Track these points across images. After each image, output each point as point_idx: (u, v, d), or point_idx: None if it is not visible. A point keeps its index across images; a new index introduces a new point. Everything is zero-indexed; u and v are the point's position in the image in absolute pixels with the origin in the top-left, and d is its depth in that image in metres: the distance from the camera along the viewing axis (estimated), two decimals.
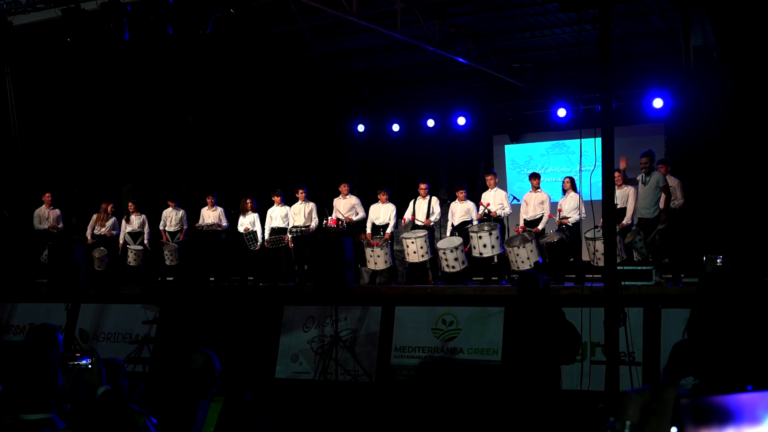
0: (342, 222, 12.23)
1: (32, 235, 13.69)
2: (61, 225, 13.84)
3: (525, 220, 11.70)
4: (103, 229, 13.64)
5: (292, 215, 12.57)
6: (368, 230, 12.27)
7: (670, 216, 10.53)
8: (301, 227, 12.40)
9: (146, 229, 13.65)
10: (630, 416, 1.02)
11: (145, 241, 13.57)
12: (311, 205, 12.62)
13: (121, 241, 13.64)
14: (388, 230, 12.16)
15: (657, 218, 10.35)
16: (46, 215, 13.69)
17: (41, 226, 13.65)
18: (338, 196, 12.69)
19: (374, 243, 11.95)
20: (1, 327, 12.82)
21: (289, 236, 12.46)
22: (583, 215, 11.33)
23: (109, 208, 13.69)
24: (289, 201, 12.91)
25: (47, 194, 13.70)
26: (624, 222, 10.70)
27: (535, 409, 6.57)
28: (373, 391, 10.14)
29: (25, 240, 13.81)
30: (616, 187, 10.89)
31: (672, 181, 10.88)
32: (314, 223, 12.53)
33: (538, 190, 11.83)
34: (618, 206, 10.81)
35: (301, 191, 12.58)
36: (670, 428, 0.99)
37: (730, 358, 1.26)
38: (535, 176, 11.99)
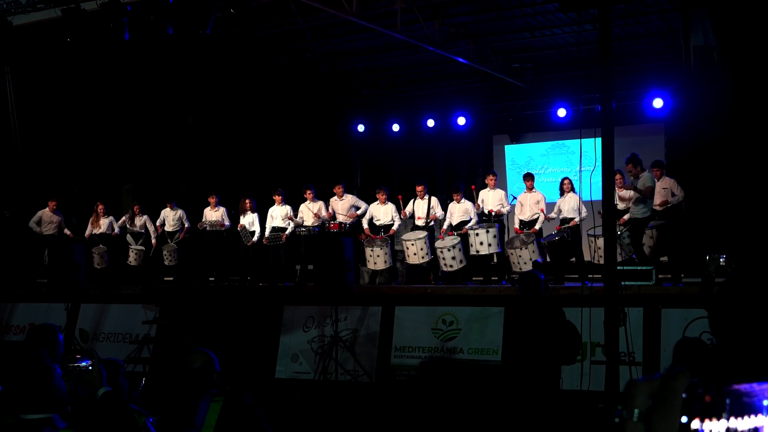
0: (345, 225, 12.30)
1: (31, 236, 13.70)
2: (66, 230, 13.86)
3: (521, 221, 11.71)
4: (100, 230, 13.68)
5: (301, 215, 12.59)
6: (365, 225, 12.33)
7: (662, 215, 10.54)
8: (309, 227, 12.41)
9: (151, 229, 13.70)
10: (638, 405, 1.01)
11: (153, 241, 13.64)
12: (319, 203, 12.63)
13: (120, 226, 13.70)
14: (394, 227, 12.21)
15: (647, 219, 10.38)
16: (49, 219, 13.71)
17: (45, 230, 13.64)
18: (334, 196, 12.74)
19: (375, 236, 12.00)
20: (1, 327, 12.82)
21: (301, 232, 12.44)
22: (585, 214, 11.35)
23: (99, 209, 13.71)
24: (290, 201, 12.92)
25: (53, 202, 13.74)
26: (626, 217, 10.74)
27: (535, 409, 6.57)
28: (373, 391, 10.14)
29: (25, 240, 13.82)
30: (617, 188, 10.94)
31: (668, 182, 10.87)
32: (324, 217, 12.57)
33: (533, 190, 11.85)
34: (620, 208, 10.84)
35: (309, 191, 12.60)
36: (680, 418, 0.97)
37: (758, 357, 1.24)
38: (528, 177, 12.01)
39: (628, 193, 11.04)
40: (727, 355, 1.36)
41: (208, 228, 13.20)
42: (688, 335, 8.37)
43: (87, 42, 10.83)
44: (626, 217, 10.74)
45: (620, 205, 10.86)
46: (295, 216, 12.67)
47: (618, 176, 10.94)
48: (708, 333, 7.49)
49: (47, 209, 13.73)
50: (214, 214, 13.29)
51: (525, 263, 10.91)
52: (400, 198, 12.43)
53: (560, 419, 6.86)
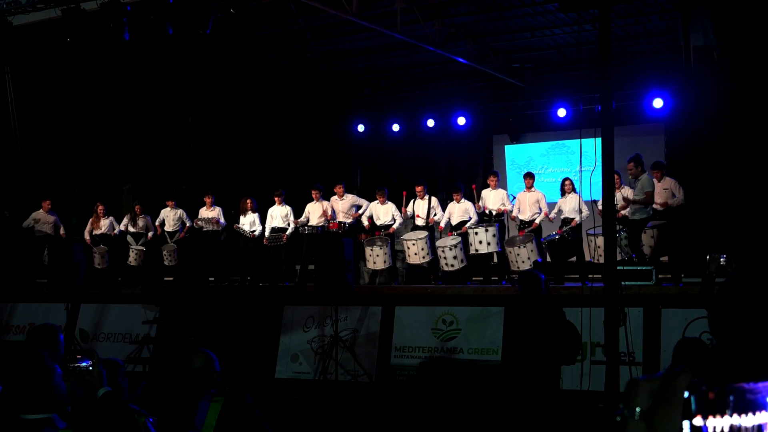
0: (344, 225, 12.30)
1: (30, 236, 13.70)
2: (62, 230, 13.86)
3: (521, 221, 11.71)
4: (100, 231, 13.68)
5: (307, 214, 12.62)
6: (365, 222, 12.37)
7: (663, 215, 10.54)
8: (314, 227, 12.43)
9: (150, 234, 13.72)
10: (640, 403, 1.00)
11: (149, 235, 13.64)
12: (325, 204, 12.64)
13: (121, 229, 13.68)
14: (395, 225, 12.25)
15: (645, 219, 10.37)
16: (44, 220, 13.71)
17: (41, 229, 13.65)
18: (334, 196, 12.75)
19: (375, 234, 12.04)
20: (1, 327, 12.81)
21: (304, 230, 12.46)
22: (586, 212, 11.33)
23: (99, 210, 13.71)
24: (291, 201, 12.92)
25: (47, 201, 13.73)
26: (621, 213, 10.71)
27: (535, 409, 6.57)
28: (373, 391, 10.14)
29: (25, 240, 13.82)
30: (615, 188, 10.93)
31: (668, 183, 10.87)
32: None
33: (533, 189, 11.85)
34: (617, 208, 10.83)
35: (315, 191, 12.62)
36: (681, 420, 0.96)
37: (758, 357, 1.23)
38: (529, 176, 12.01)
39: (624, 195, 11.03)
40: (726, 355, 1.36)
41: (204, 227, 13.20)
42: (688, 335, 8.36)
43: (87, 42, 10.83)
44: (623, 212, 10.72)
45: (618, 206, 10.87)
46: (300, 215, 12.68)
47: (615, 176, 10.95)
48: (708, 333, 7.48)
49: (42, 210, 13.74)
50: (209, 213, 13.31)
51: (523, 262, 10.91)
52: (404, 194, 12.42)
53: (560, 419, 6.86)
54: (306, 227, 12.47)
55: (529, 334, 6.62)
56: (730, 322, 1.35)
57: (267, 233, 12.68)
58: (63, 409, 3.24)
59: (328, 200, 12.80)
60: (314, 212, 12.59)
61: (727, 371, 1.28)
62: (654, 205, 10.57)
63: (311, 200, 12.71)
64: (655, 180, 10.66)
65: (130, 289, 12.75)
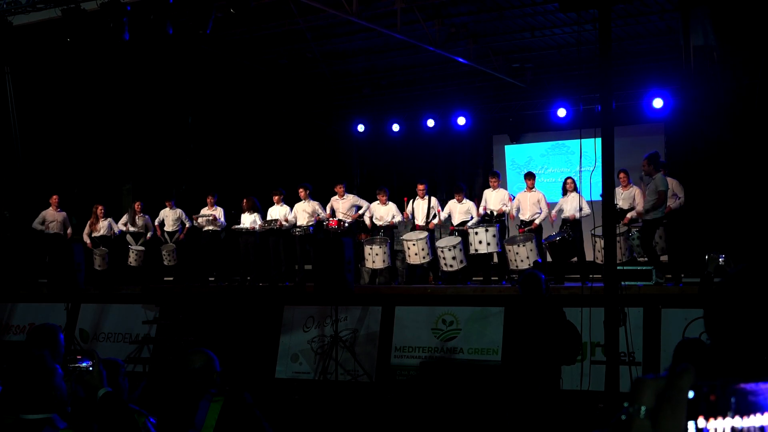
0: (343, 223, 12.28)
1: (33, 236, 13.67)
2: (69, 229, 13.82)
3: (522, 221, 11.70)
4: (99, 233, 13.65)
5: (295, 214, 12.61)
6: (367, 221, 12.38)
7: (669, 215, 10.55)
8: (304, 227, 12.43)
9: (149, 234, 13.71)
10: (645, 402, 1.00)
11: (147, 236, 13.63)
12: (313, 203, 12.62)
13: (120, 227, 13.66)
14: (395, 220, 12.24)
15: (659, 220, 10.33)
16: (52, 218, 13.68)
17: (49, 230, 13.61)
18: (335, 195, 12.75)
19: (373, 235, 12.04)
20: (1, 327, 12.82)
21: (295, 231, 12.45)
22: (587, 210, 11.31)
23: (98, 211, 13.69)
24: (291, 201, 12.91)
25: (54, 197, 13.70)
26: (629, 216, 10.68)
27: (535, 409, 6.56)
28: (373, 391, 10.14)
29: (26, 240, 13.81)
30: (621, 187, 10.92)
31: (670, 182, 10.86)
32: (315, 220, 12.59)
33: (533, 189, 11.84)
34: (624, 207, 10.83)
35: (301, 190, 12.59)
36: (686, 420, 0.96)
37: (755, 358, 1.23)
38: (530, 176, 12.00)
39: (630, 194, 11.04)
40: (721, 354, 1.35)
41: (203, 226, 13.19)
42: (688, 335, 8.36)
43: (87, 42, 10.84)
44: (630, 215, 10.71)
45: (623, 205, 10.86)
46: (287, 216, 12.66)
47: (622, 174, 10.94)
48: None
49: (50, 208, 13.71)
50: (210, 212, 13.31)
51: (522, 261, 10.90)
52: (405, 200, 12.47)
53: (560, 419, 6.86)
54: (296, 228, 12.45)
55: (529, 334, 6.62)
56: (726, 321, 1.35)
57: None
58: (63, 409, 3.24)
59: (320, 200, 12.78)
60: (302, 212, 12.57)
61: (721, 370, 1.28)
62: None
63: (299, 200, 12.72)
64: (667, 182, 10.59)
65: (130, 289, 12.75)
